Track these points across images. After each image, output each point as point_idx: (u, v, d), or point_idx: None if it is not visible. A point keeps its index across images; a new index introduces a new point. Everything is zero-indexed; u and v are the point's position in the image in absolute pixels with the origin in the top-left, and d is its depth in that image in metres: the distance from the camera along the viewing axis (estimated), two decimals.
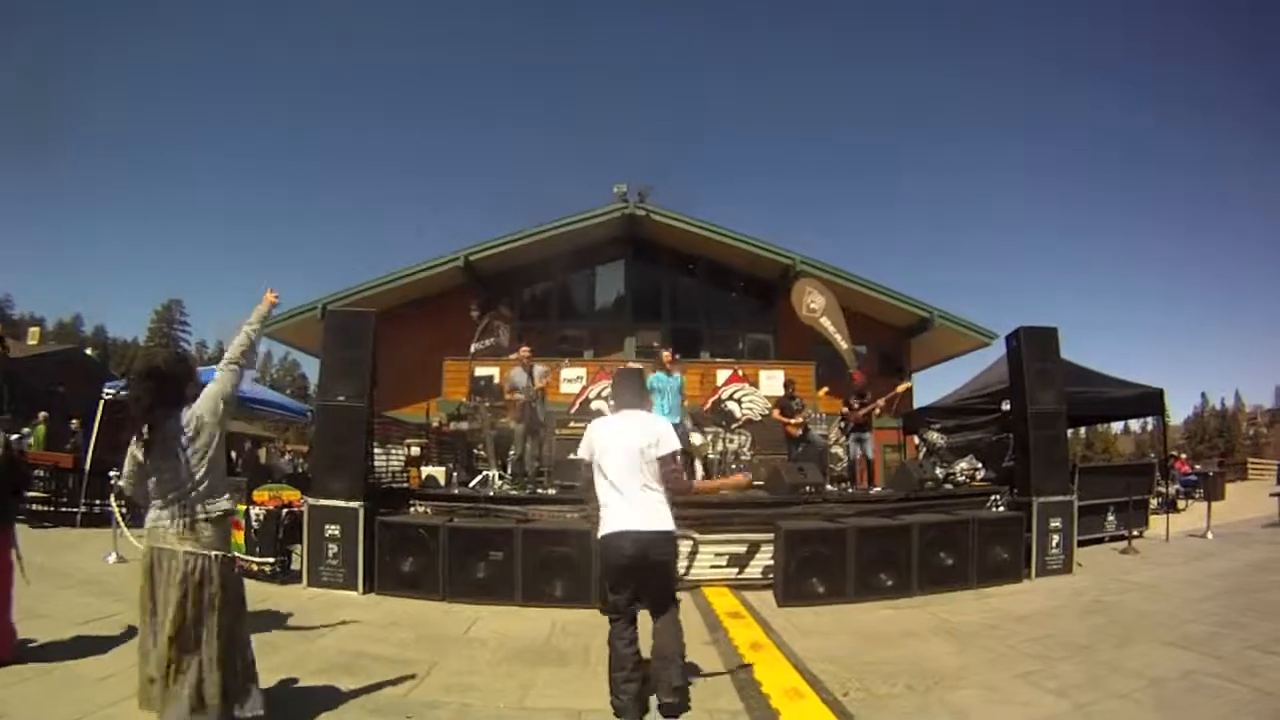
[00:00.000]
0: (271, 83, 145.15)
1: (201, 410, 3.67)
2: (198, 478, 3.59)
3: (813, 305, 17.30)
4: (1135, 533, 10.54)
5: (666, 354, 10.75)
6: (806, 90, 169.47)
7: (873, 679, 4.84)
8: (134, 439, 3.59)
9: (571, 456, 10.43)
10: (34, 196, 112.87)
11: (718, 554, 7.95)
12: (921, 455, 12.70)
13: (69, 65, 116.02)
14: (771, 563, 7.73)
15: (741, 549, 7.97)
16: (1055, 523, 8.45)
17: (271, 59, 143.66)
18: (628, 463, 4.39)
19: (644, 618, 4.38)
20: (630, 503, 4.29)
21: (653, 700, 4.23)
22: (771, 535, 7.77)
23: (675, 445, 4.44)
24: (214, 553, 3.57)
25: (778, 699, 4.47)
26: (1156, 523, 11.67)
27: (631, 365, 9.30)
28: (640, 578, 4.33)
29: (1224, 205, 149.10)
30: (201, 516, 3.57)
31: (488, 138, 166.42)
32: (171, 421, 3.59)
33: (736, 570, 7.94)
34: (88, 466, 12.27)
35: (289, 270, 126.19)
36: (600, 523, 4.36)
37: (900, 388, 11.66)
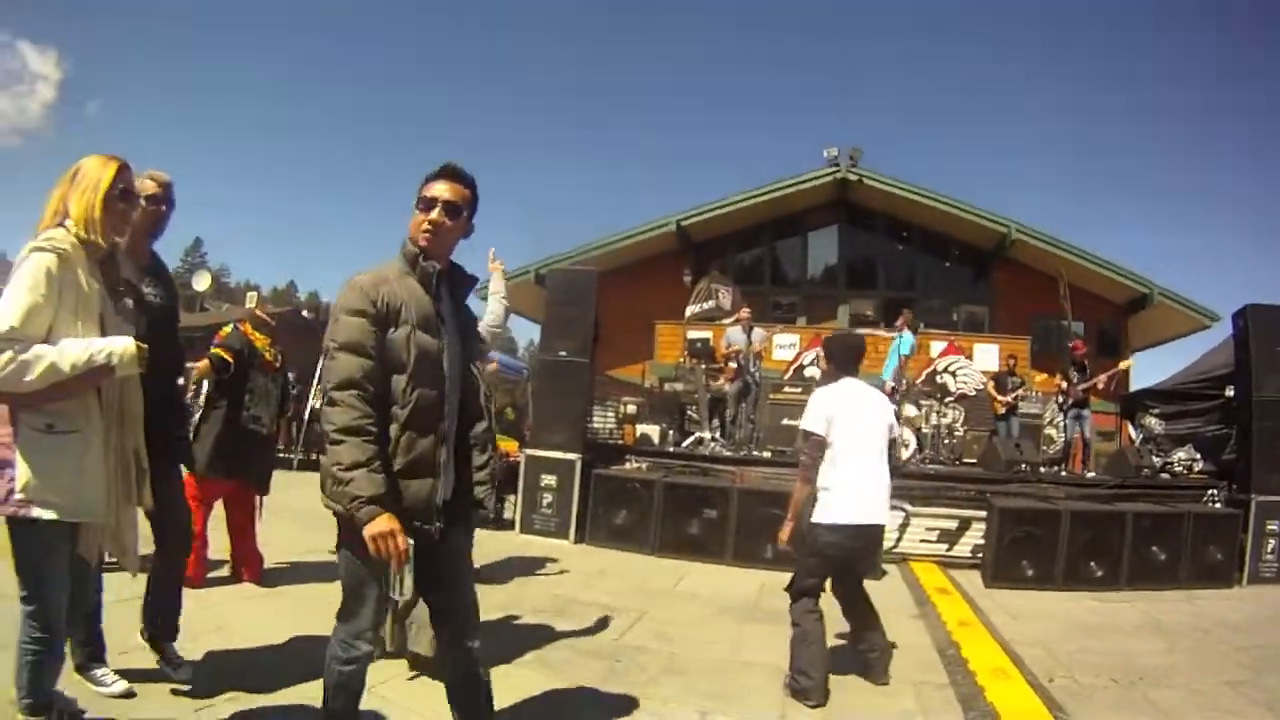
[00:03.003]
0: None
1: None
2: None
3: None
4: None
5: (909, 312, 11.33)
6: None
7: (1078, 668, 4.81)
8: None
9: (789, 422, 11.18)
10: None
11: (928, 529, 8.09)
12: (1138, 441, 12.43)
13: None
14: (981, 541, 7.79)
15: (952, 525, 8.09)
16: (1274, 525, 7.91)
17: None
18: (868, 443, 4.15)
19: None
20: (862, 489, 4.05)
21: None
22: (983, 513, 7.83)
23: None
24: None
25: (983, 676, 4.44)
26: None
27: (845, 330, 9.68)
28: (854, 564, 4.32)
29: None
30: None
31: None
32: None
33: (946, 546, 8.07)
34: (306, 416, 13.62)
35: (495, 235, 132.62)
36: (824, 505, 4.04)
37: (1122, 364, 11.33)
